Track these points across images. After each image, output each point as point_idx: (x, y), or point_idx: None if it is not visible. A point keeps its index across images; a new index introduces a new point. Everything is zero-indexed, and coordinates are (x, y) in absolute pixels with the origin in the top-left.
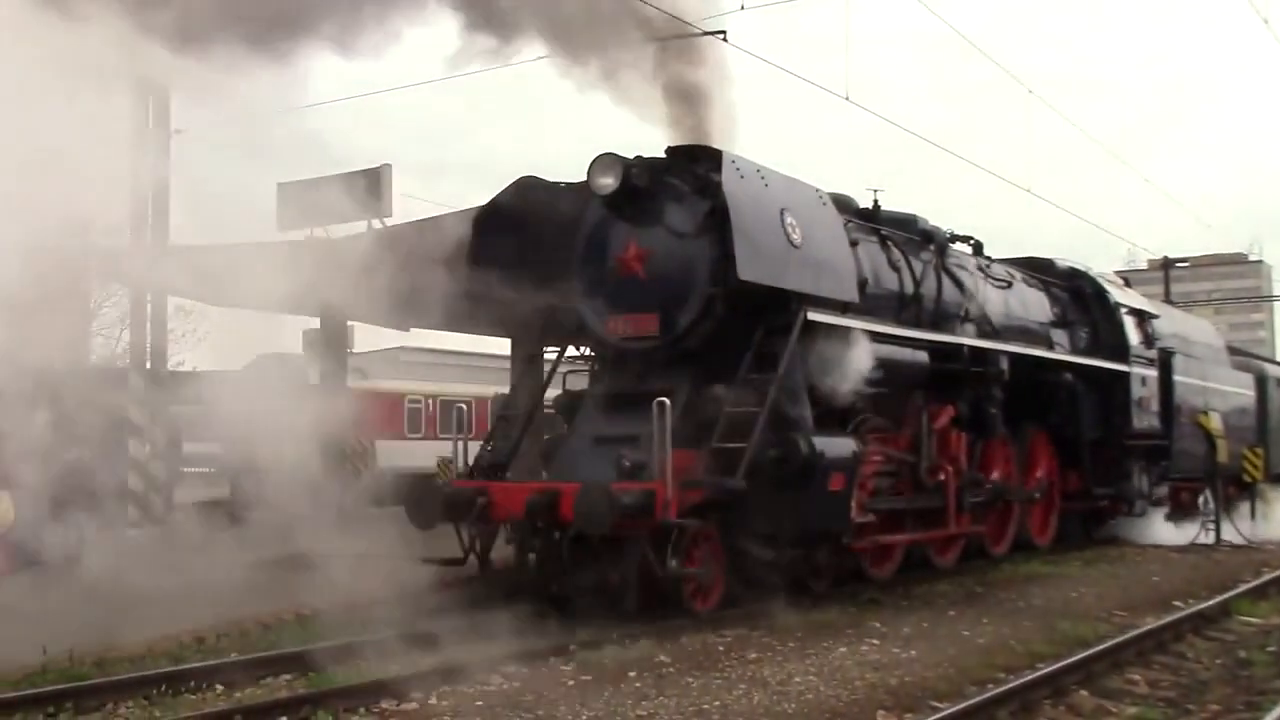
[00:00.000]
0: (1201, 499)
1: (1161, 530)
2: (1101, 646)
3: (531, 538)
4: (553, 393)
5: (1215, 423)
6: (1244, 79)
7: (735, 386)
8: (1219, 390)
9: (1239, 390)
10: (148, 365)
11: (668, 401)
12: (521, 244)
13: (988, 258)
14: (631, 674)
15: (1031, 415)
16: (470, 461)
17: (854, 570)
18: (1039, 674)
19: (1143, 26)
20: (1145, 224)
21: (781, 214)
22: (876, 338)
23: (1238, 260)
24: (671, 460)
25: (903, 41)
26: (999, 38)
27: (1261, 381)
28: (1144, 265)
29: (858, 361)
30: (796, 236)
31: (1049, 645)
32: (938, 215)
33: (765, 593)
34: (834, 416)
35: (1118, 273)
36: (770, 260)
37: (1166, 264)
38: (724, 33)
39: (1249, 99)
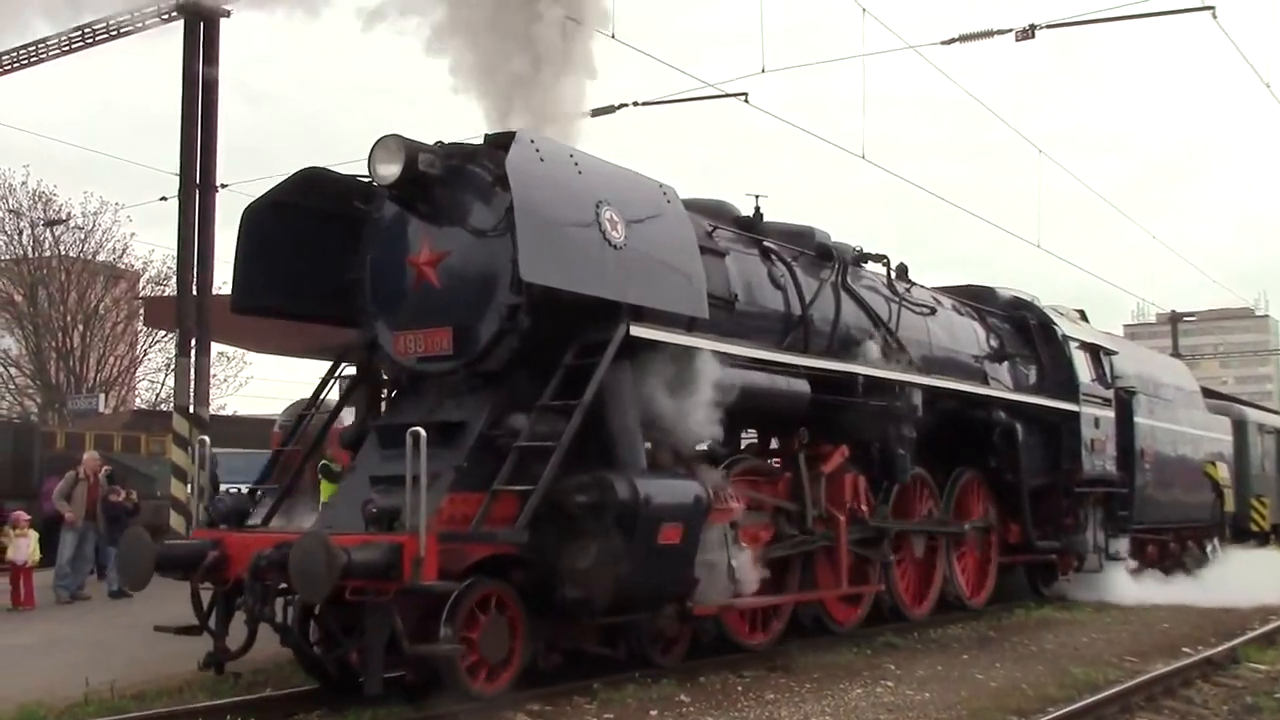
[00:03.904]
0: (1210, 547)
1: (1124, 588)
2: (1111, 691)
3: (262, 604)
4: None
5: (1222, 473)
6: (1249, 139)
7: (535, 415)
8: (1190, 434)
9: (1215, 435)
10: (190, 409)
11: (422, 431)
12: (306, 247)
13: (910, 281)
14: (653, 713)
15: (966, 459)
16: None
17: (720, 638)
18: (1050, 717)
19: (1149, 89)
20: (1153, 278)
21: (598, 207)
22: (735, 361)
23: (1244, 314)
24: (443, 505)
25: (917, 103)
26: (1010, 100)
27: (1240, 426)
28: (1152, 319)
29: (708, 389)
30: (617, 235)
31: (1060, 689)
32: (949, 267)
33: (593, 667)
34: (694, 456)
35: (1126, 326)
36: (574, 261)
37: (1174, 318)
38: (745, 94)
39: (1254, 158)
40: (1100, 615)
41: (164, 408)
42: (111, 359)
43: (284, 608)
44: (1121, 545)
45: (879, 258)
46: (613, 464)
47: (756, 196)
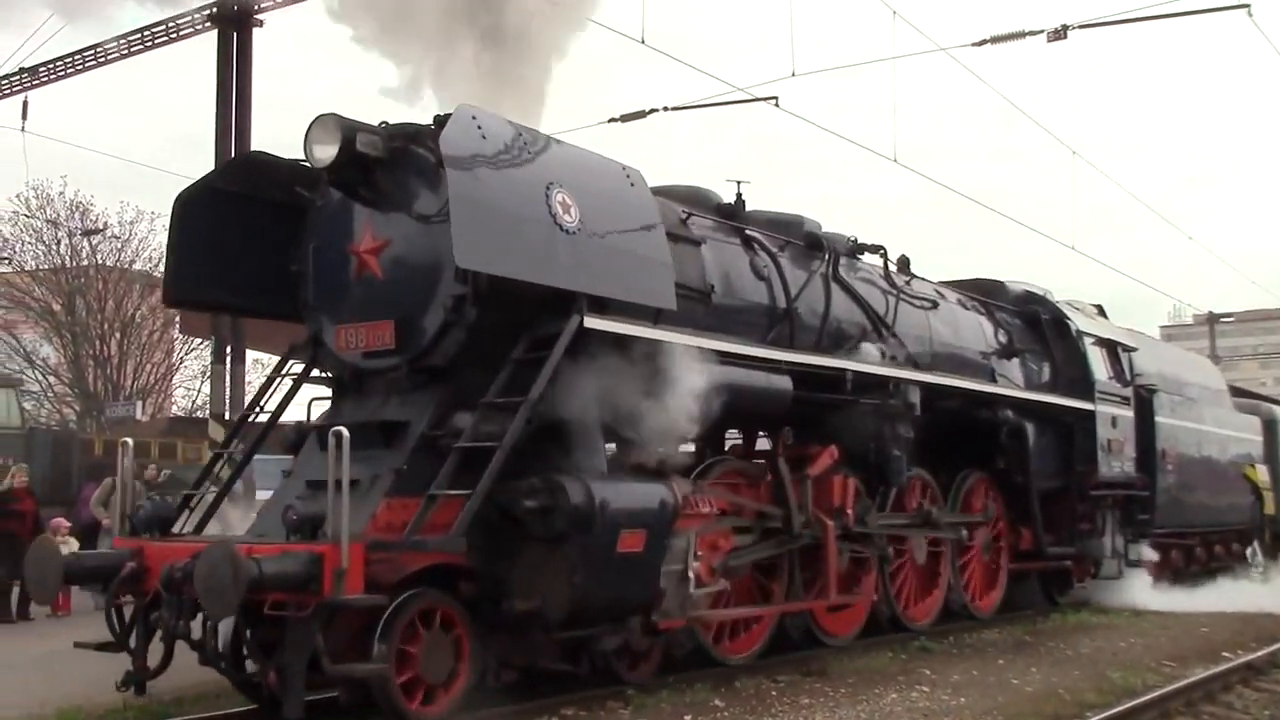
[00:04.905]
0: (1250, 551)
1: (1145, 595)
2: (1150, 696)
3: (177, 618)
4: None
5: (1262, 475)
6: None
7: (480, 414)
8: (1216, 434)
9: (1242, 435)
10: (226, 416)
11: (344, 431)
12: (247, 237)
13: (910, 274)
14: (687, 717)
15: (975, 460)
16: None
17: (696, 652)
18: None
19: (1185, 88)
20: (1190, 280)
21: (548, 189)
22: (706, 356)
23: None
24: (378, 512)
25: (949, 106)
26: (1044, 102)
27: (1271, 425)
28: (1189, 320)
29: (676, 386)
30: (570, 219)
31: (1098, 694)
32: (981, 271)
33: (557, 684)
34: (664, 458)
35: (1163, 327)
36: (519, 246)
37: (1212, 319)
38: (776, 99)
39: None
40: (1138, 620)
41: (200, 414)
42: (148, 366)
43: (203, 622)
44: (1143, 550)
45: (876, 249)
46: (567, 465)
47: (739, 183)
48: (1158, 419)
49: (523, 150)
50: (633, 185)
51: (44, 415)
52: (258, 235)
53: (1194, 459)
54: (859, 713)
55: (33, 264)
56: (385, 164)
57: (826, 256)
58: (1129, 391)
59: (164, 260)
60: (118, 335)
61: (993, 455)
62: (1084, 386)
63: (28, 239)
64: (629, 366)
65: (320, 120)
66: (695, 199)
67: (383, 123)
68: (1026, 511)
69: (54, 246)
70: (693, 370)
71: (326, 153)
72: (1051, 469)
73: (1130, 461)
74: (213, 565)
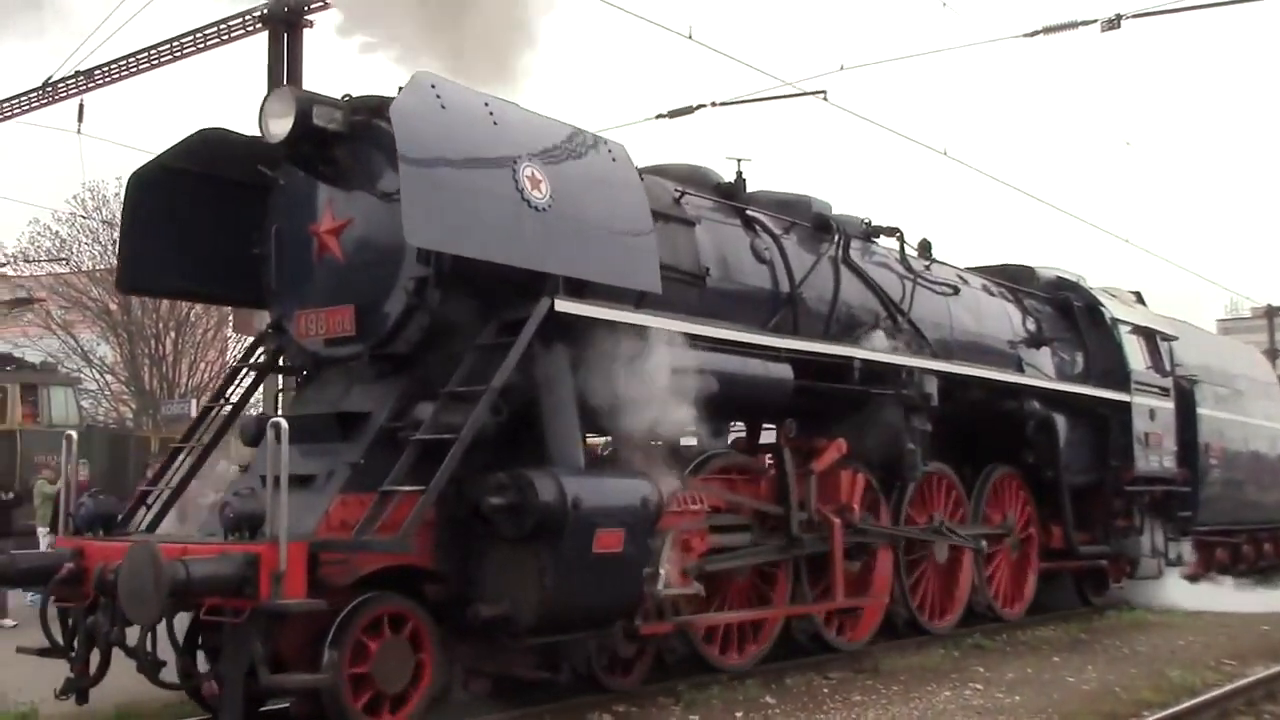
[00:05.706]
0: None
1: (1185, 596)
2: (1209, 695)
3: (111, 623)
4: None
5: None
6: None
7: (440, 404)
8: (1266, 428)
9: None
10: (279, 412)
11: (283, 423)
12: (208, 219)
13: (931, 258)
14: (739, 714)
15: (1002, 454)
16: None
17: (692, 656)
18: None
19: (1242, 76)
20: (1248, 273)
21: (515, 163)
22: (695, 342)
23: None
24: (331, 509)
25: (1001, 98)
26: (1097, 92)
27: None
28: (1248, 313)
29: (661, 374)
30: (540, 195)
31: (1155, 693)
32: (1029, 261)
33: (529, 694)
34: (652, 452)
35: (1220, 320)
36: (479, 223)
37: (1271, 312)
38: (824, 93)
39: None
40: (1196, 618)
41: (252, 412)
42: (202, 365)
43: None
44: (1184, 549)
45: (892, 231)
46: (544, 461)
47: (739, 160)
48: (1200, 411)
49: (488, 122)
50: (615, 161)
51: (101, 413)
52: (219, 217)
53: (1240, 453)
54: (911, 710)
55: (89, 264)
56: (346, 139)
57: (836, 239)
58: (1168, 382)
59: (119, 243)
60: (172, 334)
61: (1020, 449)
62: (1119, 377)
63: (84, 239)
64: (609, 353)
65: (276, 92)
66: (693, 178)
67: (345, 95)
68: (1057, 508)
69: (110, 247)
70: (677, 358)
71: (281, 126)
72: (1084, 463)
73: (1170, 456)
74: (134, 568)
